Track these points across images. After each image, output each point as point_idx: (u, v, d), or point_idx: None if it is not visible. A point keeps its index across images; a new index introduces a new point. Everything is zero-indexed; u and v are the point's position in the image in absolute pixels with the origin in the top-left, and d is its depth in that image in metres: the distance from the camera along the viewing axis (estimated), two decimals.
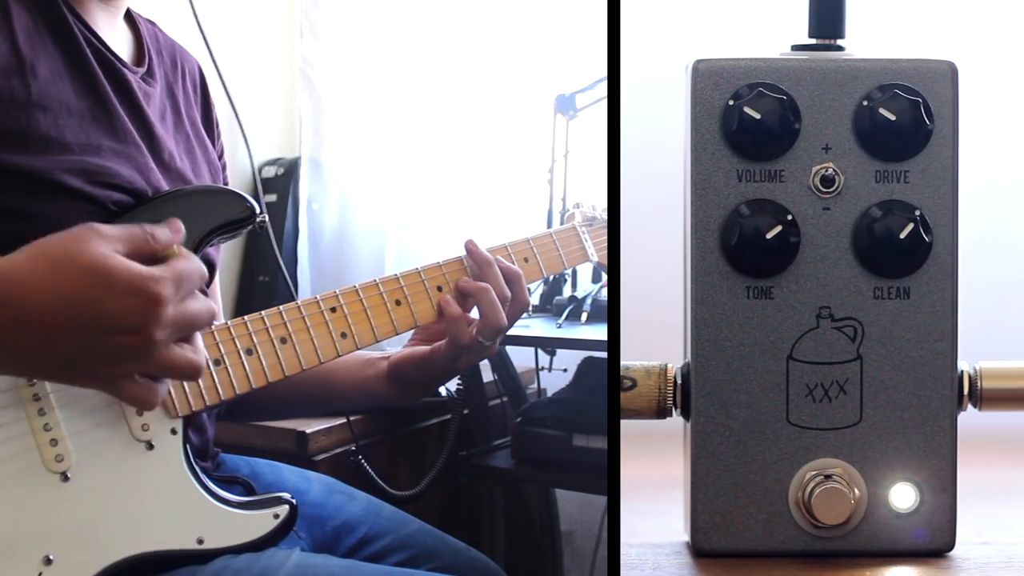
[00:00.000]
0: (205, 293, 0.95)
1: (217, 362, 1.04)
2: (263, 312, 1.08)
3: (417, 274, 1.16)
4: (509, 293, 1.19)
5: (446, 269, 1.18)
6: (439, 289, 1.17)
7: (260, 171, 2.46)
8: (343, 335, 1.11)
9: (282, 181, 2.41)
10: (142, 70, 1.14)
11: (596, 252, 1.34)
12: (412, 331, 1.27)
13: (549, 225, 2.09)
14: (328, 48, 2.42)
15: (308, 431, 1.75)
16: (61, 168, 1.00)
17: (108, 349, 0.86)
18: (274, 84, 2.53)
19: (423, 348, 1.21)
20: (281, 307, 1.09)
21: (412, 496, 1.71)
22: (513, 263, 1.23)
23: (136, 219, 1.04)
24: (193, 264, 0.89)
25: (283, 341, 1.08)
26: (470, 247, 1.20)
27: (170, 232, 0.90)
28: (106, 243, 0.85)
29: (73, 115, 1.03)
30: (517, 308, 1.20)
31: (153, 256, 0.88)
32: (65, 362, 0.87)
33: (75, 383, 0.93)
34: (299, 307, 1.09)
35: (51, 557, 0.95)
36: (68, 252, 0.85)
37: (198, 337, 0.92)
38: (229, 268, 2.22)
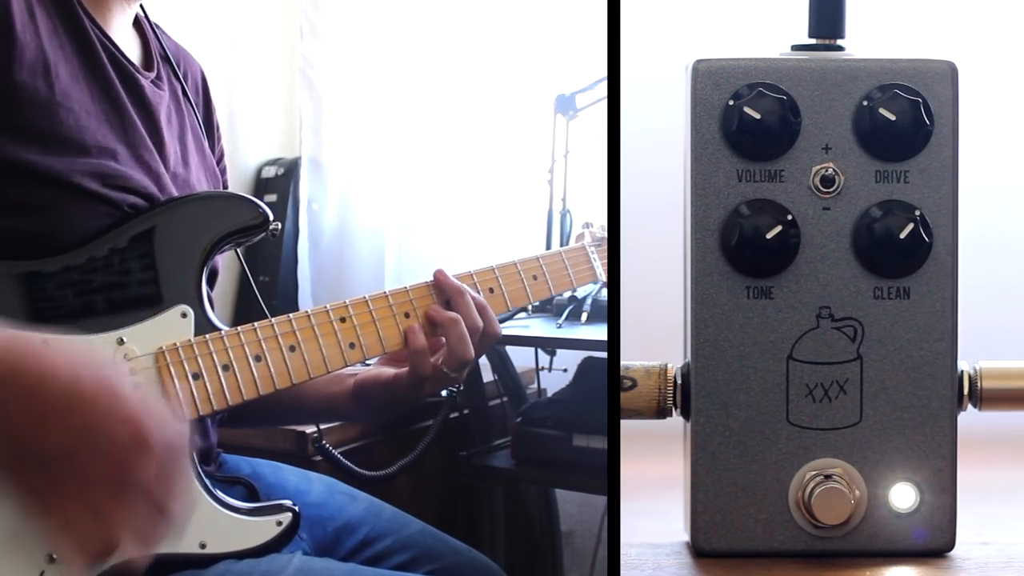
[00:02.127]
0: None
1: (226, 367, 1.04)
2: (272, 319, 1.08)
3: (426, 287, 1.16)
4: (481, 324, 1.16)
5: None
6: (447, 303, 1.16)
7: (260, 171, 2.46)
8: (351, 345, 1.11)
9: (282, 181, 2.41)
10: (152, 75, 1.15)
11: (604, 273, 1.33)
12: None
13: (549, 225, 2.09)
14: (328, 48, 2.42)
15: (308, 431, 1.75)
16: (79, 171, 1.01)
17: (80, 463, 0.83)
18: (274, 84, 2.53)
19: (388, 372, 1.19)
20: (291, 315, 1.09)
21: (380, 477, 1.70)
22: (521, 280, 1.22)
23: (150, 222, 1.05)
24: (192, 442, 0.90)
25: (292, 349, 1.08)
26: (439, 277, 1.17)
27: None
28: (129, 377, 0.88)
29: (91, 118, 1.04)
30: (487, 340, 1.17)
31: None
32: (39, 460, 0.84)
33: (34, 494, 0.86)
34: (308, 316, 1.09)
35: (54, 555, 0.95)
36: (91, 353, 0.88)
37: (161, 524, 0.87)
38: (229, 268, 2.22)
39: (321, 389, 1.23)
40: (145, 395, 0.90)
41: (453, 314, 1.15)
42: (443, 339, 1.15)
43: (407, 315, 1.14)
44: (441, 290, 1.16)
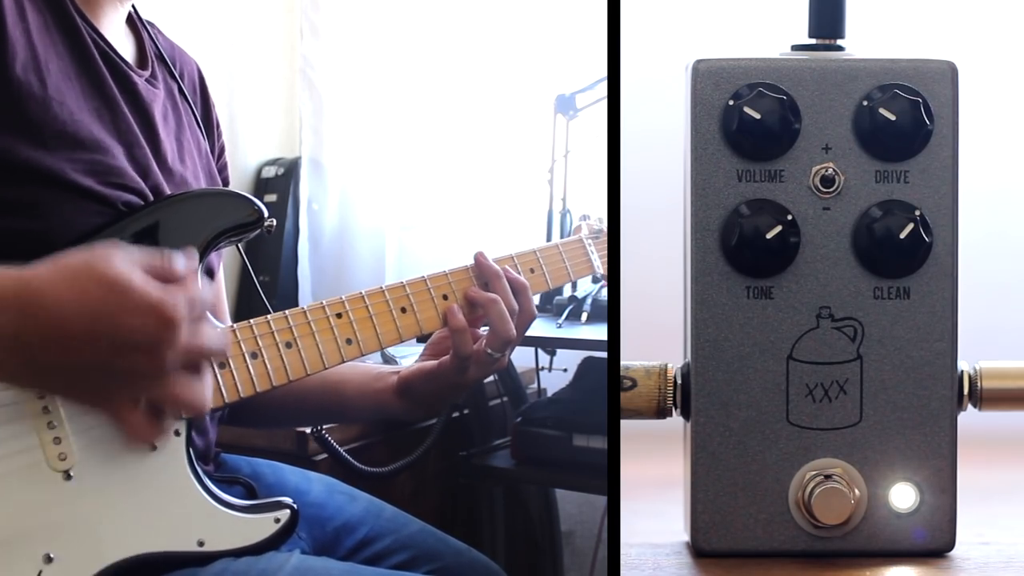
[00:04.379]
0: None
1: (222, 365, 1.04)
2: (268, 316, 1.08)
3: (423, 282, 1.16)
4: (517, 305, 1.18)
5: (452, 278, 1.18)
6: (444, 298, 1.17)
7: (260, 171, 2.47)
8: (348, 341, 1.11)
9: (282, 181, 2.41)
10: (147, 73, 1.15)
11: (602, 265, 1.34)
12: (423, 346, 1.27)
13: (549, 225, 2.09)
14: (328, 48, 2.42)
15: (308, 431, 1.75)
16: (74, 167, 1.01)
17: (120, 368, 0.88)
18: (274, 84, 2.53)
19: (431, 362, 1.21)
20: (287, 312, 1.09)
21: (380, 474, 1.70)
22: (519, 274, 1.23)
23: (145, 220, 1.05)
24: (204, 291, 0.93)
25: (288, 346, 1.08)
26: (480, 259, 1.19)
27: (186, 259, 0.93)
28: (127, 261, 0.88)
29: (84, 113, 1.04)
30: (524, 320, 1.19)
31: (169, 280, 0.90)
32: (78, 377, 0.89)
33: (85, 402, 0.94)
34: (305, 312, 1.09)
35: (51, 555, 0.95)
36: (90, 265, 0.87)
37: (207, 376, 0.94)
38: (229, 268, 2.23)
39: (364, 387, 1.24)
40: (150, 265, 0.89)
41: (492, 294, 1.17)
42: (483, 321, 1.17)
43: (404, 310, 1.14)
44: (480, 273, 1.18)
